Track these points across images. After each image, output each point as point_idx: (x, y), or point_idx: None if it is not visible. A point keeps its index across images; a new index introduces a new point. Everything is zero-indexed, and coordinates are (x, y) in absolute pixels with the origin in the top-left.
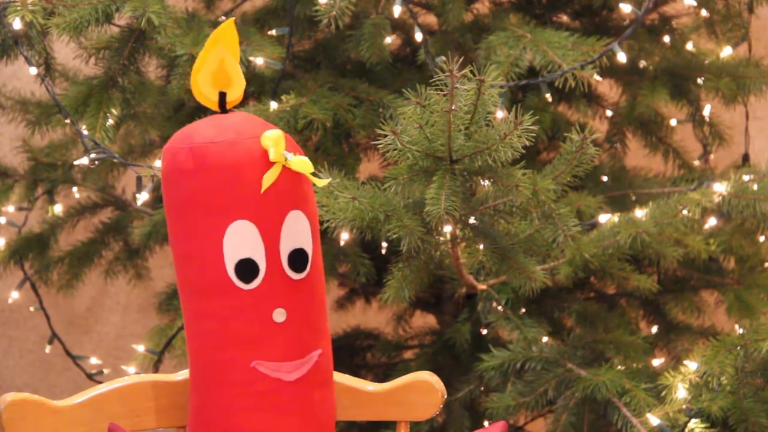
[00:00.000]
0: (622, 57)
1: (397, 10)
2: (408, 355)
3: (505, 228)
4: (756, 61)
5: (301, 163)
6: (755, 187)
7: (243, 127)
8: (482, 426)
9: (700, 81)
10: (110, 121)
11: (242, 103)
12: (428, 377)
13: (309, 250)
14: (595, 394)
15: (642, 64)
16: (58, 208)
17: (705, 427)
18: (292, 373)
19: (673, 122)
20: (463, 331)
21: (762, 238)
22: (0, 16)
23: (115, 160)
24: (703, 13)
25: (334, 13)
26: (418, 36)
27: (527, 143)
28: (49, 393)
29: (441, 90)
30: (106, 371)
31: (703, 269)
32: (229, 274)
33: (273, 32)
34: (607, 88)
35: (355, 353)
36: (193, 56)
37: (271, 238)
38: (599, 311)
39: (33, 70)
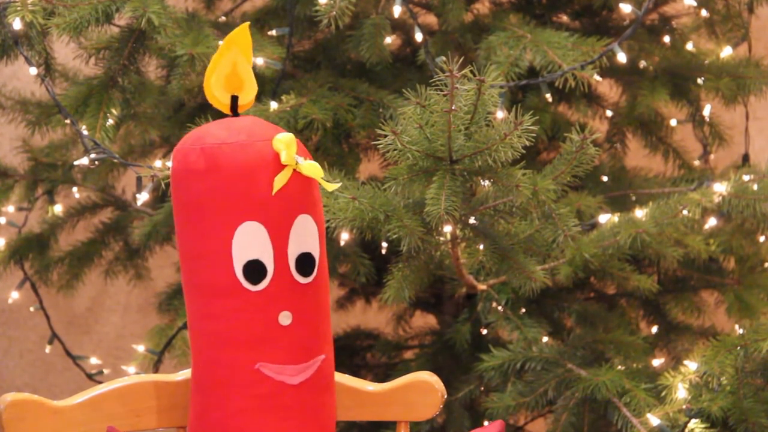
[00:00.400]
0: (622, 57)
1: (397, 10)
2: (408, 355)
3: (505, 228)
4: (756, 61)
5: (312, 168)
6: (755, 187)
7: (255, 130)
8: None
9: (700, 81)
10: (110, 121)
11: None
12: (428, 377)
13: (316, 255)
14: (595, 395)
15: (642, 64)
16: (58, 208)
17: (705, 427)
18: (296, 376)
19: (673, 122)
20: (463, 331)
21: (762, 238)
22: (0, 16)
23: (115, 160)
24: (703, 13)
25: (334, 13)
26: (418, 36)
27: (527, 143)
28: (49, 393)
29: (441, 90)
30: (106, 371)
31: (703, 269)
32: (237, 274)
33: (273, 32)
34: (607, 88)
35: (355, 353)
36: (193, 56)
37: (279, 241)
38: (599, 311)
39: (33, 70)
